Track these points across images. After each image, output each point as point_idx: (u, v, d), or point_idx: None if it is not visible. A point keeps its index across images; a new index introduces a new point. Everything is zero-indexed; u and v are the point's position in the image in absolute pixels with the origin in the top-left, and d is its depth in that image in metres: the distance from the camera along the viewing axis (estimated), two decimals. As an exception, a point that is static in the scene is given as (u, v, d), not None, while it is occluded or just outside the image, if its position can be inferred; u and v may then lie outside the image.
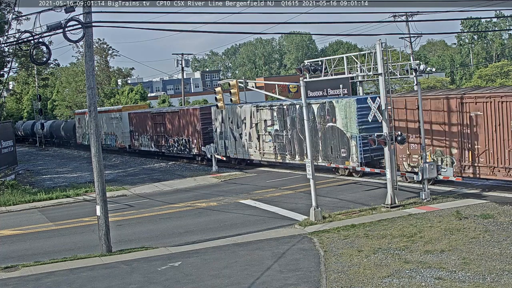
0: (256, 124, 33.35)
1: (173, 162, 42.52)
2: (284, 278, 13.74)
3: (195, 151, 39.02)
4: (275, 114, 31.78)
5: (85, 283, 14.72)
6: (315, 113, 28.85)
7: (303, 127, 26.85)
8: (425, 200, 21.21)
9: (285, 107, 30.98)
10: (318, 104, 28.79)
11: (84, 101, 66.27)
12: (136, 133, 47.42)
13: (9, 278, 15.56)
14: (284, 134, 31.17)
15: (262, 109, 33.04)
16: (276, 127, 31.79)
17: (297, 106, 29.62)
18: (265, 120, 32.62)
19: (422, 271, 13.43)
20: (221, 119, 36.16)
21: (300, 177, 29.33)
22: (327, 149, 28.37)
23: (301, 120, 28.48)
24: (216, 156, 35.51)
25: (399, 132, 21.68)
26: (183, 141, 40.37)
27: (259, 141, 33.30)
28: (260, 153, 33.33)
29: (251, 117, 33.89)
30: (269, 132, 32.48)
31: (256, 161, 35.22)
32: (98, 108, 58.16)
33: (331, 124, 28.03)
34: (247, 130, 34.22)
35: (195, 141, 38.89)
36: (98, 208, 17.67)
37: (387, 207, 20.54)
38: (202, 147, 37.59)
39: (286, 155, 31.23)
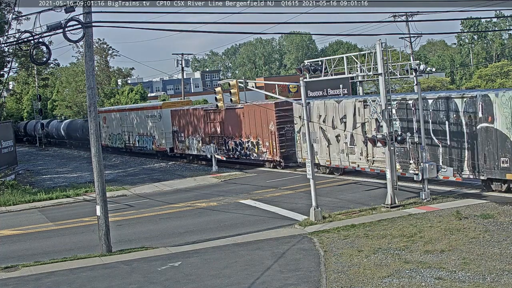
0: (363, 124, 26.76)
1: (173, 162, 42.52)
2: (284, 278, 13.74)
3: (266, 155, 33.14)
4: (393, 110, 24.42)
5: (85, 283, 14.72)
6: (460, 110, 22.64)
7: (441, 126, 23.05)
8: (425, 200, 21.21)
9: (410, 102, 24.68)
10: (466, 99, 22.47)
11: (84, 101, 66.20)
12: (181, 133, 41.44)
13: (9, 278, 15.56)
14: (408, 137, 24.40)
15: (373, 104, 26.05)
16: (395, 127, 24.57)
17: (430, 101, 23.73)
18: (377, 119, 25.01)
19: (422, 271, 13.43)
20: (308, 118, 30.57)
21: (300, 177, 29.32)
22: (478, 157, 22.07)
23: (438, 117, 23.39)
24: (216, 156, 35.48)
25: (399, 132, 21.68)
26: (249, 144, 34.19)
27: (366, 145, 26.50)
28: (367, 160, 26.56)
29: (354, 114, 27.24)
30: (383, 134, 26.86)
31: (361, 170, 27.69)
32: (131, 105, 47.87)
33: (485, 124, 21.86)
34: (348, 131, 27.55)
35: (266, 143, 33.00)
36: (98, 208, 17.67)
37: (387, 207, 20.54)
38: (279, 151, 32.18)
39: (410, 163, 24.77)
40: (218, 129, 37.21)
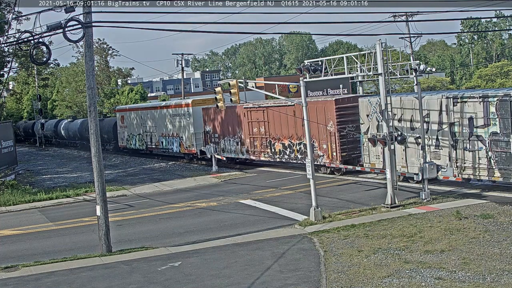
0: (451, 124, 23.18)
1: (173, 162, 42.50)
2: (284, 278, 13.74)
3: (323, 160, 29.07)
4: (491, 109, 21.54)
5: (85, 283, 14.72)
6: None
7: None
8: (425, 200, 21.21)
9: None
10: None
11: (84, 101, 66.13)
12: (214, 134, 37.31)
13: (9, 278, 15.56)
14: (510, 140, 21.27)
15: (466, 101, 22.61)
16: (494, 128, 21.69)
17: None
18: (470, 118, 22.38)
19: (422, 271, 13.43)
20: (376, 116, 25.36)
21: (300, 177, 29.32)
22: None
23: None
24: (216, 156, 35.47)
25: (399, 132, 21.68)
26: (302, 146, 30.20)
27: (454, 149, 23.13)
28: (457, 166, 23.02)
29: (440, 113, 23.58)
30: (478, 136, 22.33)
31: (444, 179, 23.66)
32: (154, 103, 47.17)
33: None
34: (432, 133, 23.87)
35: (324, 146, 28.87)
36: (98, 208, 17.67)
37: (387, 207, 20.54)
38: (340, 155, 28.07)
39: None
40: (262, 129, 33.09)
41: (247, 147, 34.49)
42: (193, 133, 39.17)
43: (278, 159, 32.48)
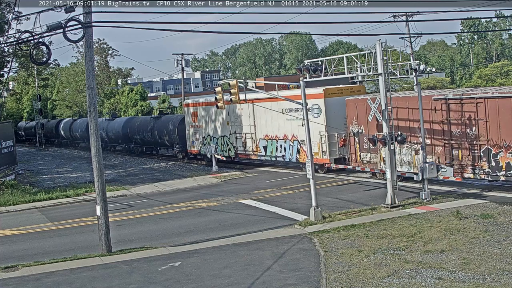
0: None
1: (173, 162, 42.49)
2: (284, 278, 13.74)
3: None
4: None
5: (85, 283, 14.71)
6: None
7: None
8: (425, 200, 21.21)
9: None
10: None
11: (84, 101, 66.18)
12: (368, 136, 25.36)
13: (9, 278, 15.55)
14: None
15: None
16: None
17: None
18: None
19: (422, 271, 13.42)
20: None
21: (300, 177, 29.31)
22: None
23: None
24: (216, 156, 35.43)
25: (399, 132, 21.67)
26: None
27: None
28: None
29: None
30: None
31: None
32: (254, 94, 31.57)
33: None
34: None
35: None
36: (98, 208, 17.66)
37: (387, 207, 20.55)
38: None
39: None
40: (472, 130, 22.05)
41: (438, 157, 23.34)
42: (325, 135, 28.59)
43: (503, 178, 21.27)
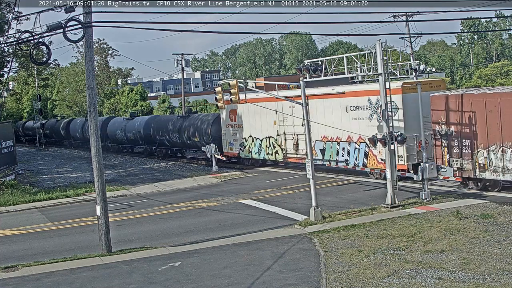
0: None
1: (173, 162, 42.48)
2: (284, 278, 13.74)
3: None
4: None
5: (85, 283, 14.71)
6: None
7: None
8: (425, 200, 21.22)
9: None
10: None
11: (84, 101, 66.16)
12: (463, 140, 22.45)
13: (9, 278, 15.55)
14: None
15: None
16: None
17: None
18: None
19: (422, 271, 13.43)
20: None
21: (300, 177, 29.31)
22: None
23: None
24: (216, 156, 35.41)
25: (399, 132, 21.67)
26: None
27: None
28: None
29: None
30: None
31: None
32: (312, 90, 27.11)
33: None
34: None
35: None
36: (98, 208, 17.66)
37: (387, 207, 20.55)
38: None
39: None
40: None
41: None
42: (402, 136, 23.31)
43: None
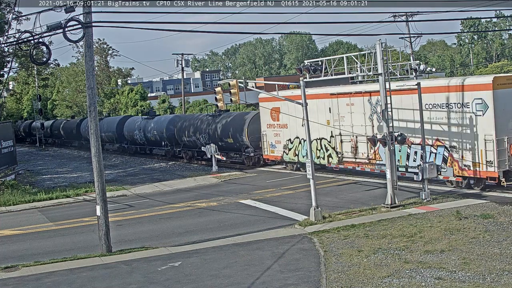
0: None
1: (173, 162, 42.47)
2: (284, 278, 13.74)
3: None
4: None
5: (85, 283, 14.71)
6: None
7: None
8: (425, 200, 21.21)
9: None
10: None
11: (84, 101, 66.18)
12: None
13: (9, 278, 15.55)
14: None
15: None
16: None
17: None
18: None
19: (422, 271, 13.43)
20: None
21: (300, 177, 29.31)
22: None
23: None
24: (216, 156, 35.41)
25: (399, 132, 21.67)
26: None
27: None
28: None
29: None
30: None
31: None
32: (366, 86, 25.33)
33: None
34: None
35: None
36: (98, 208, 17.66)
37: (387, 207, 20.55)
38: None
39: None
40: None
41: None
42: (493, 139, 21.33)
43: None
